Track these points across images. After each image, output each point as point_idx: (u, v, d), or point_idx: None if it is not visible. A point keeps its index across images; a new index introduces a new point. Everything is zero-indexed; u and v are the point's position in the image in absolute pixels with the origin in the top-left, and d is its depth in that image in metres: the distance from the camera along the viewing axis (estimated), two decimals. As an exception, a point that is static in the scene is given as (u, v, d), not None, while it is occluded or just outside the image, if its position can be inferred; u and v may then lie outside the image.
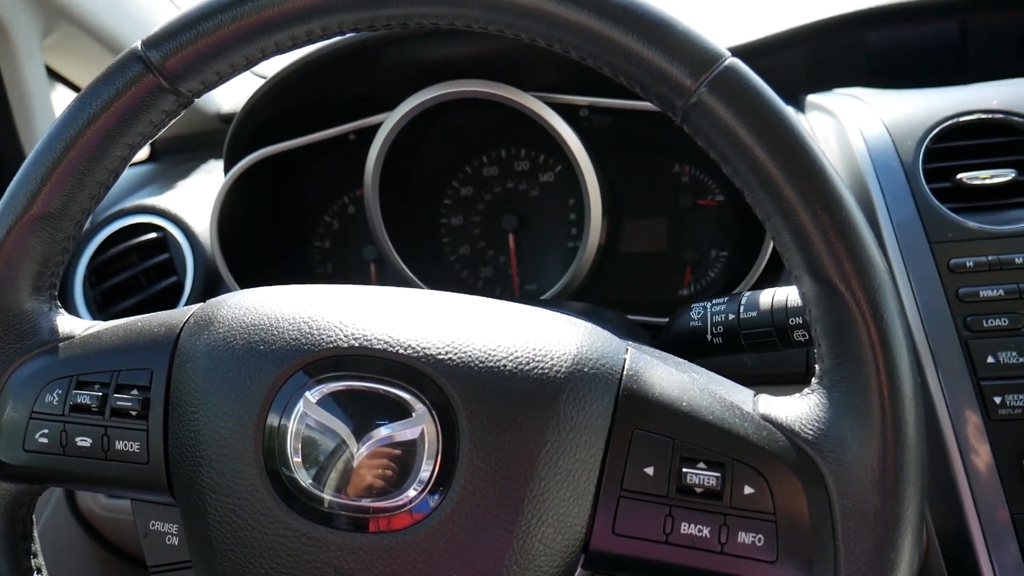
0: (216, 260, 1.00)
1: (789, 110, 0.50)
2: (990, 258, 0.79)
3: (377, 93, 0.96)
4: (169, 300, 1.06)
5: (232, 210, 0.99)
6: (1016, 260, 0.78)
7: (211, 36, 0.57)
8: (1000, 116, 0.84)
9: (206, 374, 0.54)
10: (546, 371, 0.51)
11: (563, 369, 0.51)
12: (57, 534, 1.14)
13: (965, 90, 0.93)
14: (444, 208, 1.08)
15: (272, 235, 1.08)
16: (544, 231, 1.06)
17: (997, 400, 0.75)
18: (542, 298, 0.95)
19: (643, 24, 0.51)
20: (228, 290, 1.03)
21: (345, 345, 0.53)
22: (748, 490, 0.49)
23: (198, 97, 0.60)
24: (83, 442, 0.57)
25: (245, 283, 1.01)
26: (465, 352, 0.52)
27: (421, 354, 0.52)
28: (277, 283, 1.05)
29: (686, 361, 0.57)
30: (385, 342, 0.52)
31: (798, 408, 0.51)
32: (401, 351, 0.52)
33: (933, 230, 0.81)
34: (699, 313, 0.71)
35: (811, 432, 0.49)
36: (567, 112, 0.90)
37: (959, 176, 0.83)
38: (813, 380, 0.52)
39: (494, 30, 0.55)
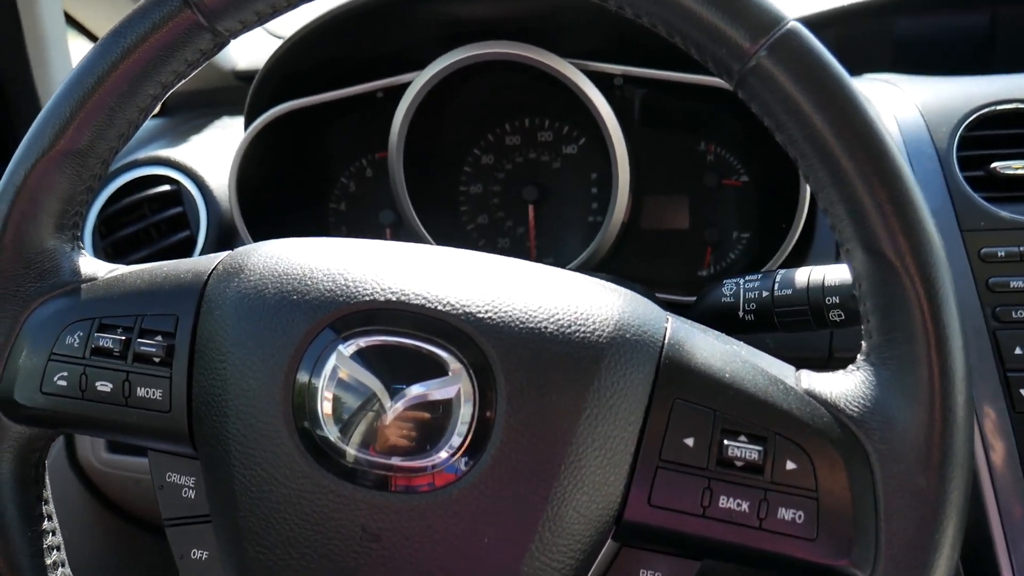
0: (233, 215, 0.98)
1: (850, 79, 0.49)
2: (1022, 248, 0.78)
3: (406, 52, 0.94)
4: (181, 255, 1.04)
5: (250, 166, 0.98)
6: (1048, 252, 0.77)
7: None
8: (1037, 106, 0.83)
9: (235, 323, 0.53)
10: (588, 335, 0.50)
11: (605, 334, 0.50)
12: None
13: (1000, 79, 0.92)
14: (464, 176, 1.06)
15: (288, 194, 1.06)
16: (564, 204, 1.04)
17: (1023, 392, 0.75)
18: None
19: None
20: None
21: (381, 299, 0.51)
22: (790, 465, 0.48)
23: (235, 38, 0.58)
24: (103, 387, 0.56)
25: (259, 239, 1.00)
26: (505, 311, 0.50)
27: (460, 311, 0.50)
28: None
29: (726, 336, 0.56)
30: (423, 297, 0.51)
31: (843, 384, 0.50)
32: (439, 307, 0.50)
33: (965, 218, 0.80)
34: (731, 289, 0.70)
35: (856, 409, 0.48)
36: (601, 81, 0.89)
37: (993, 165, 0.82)
38: (859, 357, 0.50)
39: None
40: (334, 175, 1.10)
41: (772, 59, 0.49)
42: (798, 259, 0.89)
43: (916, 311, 0.47)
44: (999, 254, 0.78)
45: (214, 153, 1.12)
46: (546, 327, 0.50)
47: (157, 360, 0.55)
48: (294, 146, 1.03)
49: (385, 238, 1.08)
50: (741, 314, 0.69)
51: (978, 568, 0.76)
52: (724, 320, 0.70)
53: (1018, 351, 0.76)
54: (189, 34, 0.56)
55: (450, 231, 1.04)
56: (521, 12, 0.86)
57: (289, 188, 1.06)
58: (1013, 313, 0.77)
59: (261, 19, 0.57)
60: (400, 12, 0.89)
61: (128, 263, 1.03)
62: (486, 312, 0.50)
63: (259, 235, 1.00)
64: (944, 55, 1.19)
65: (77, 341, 0.56)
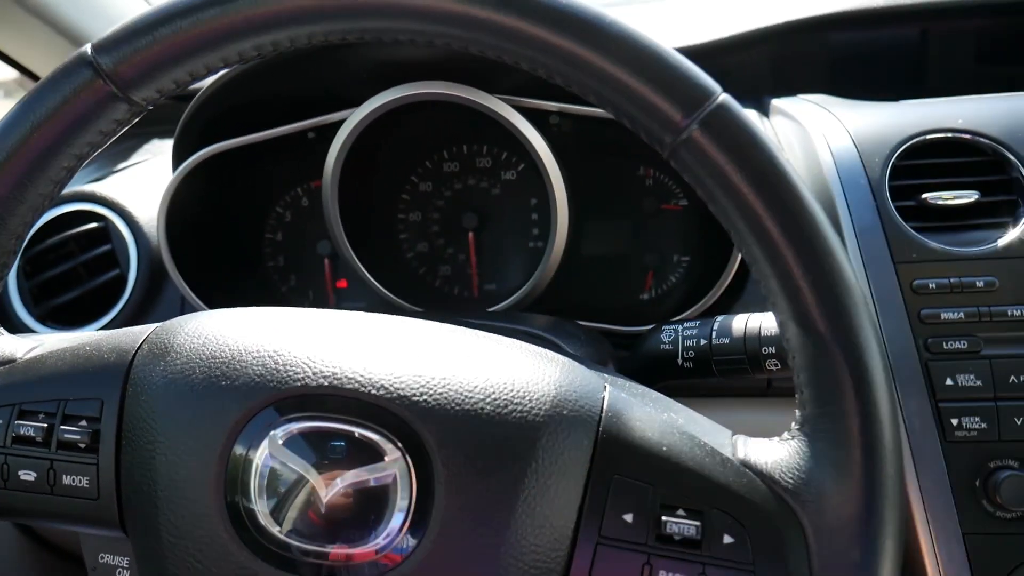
0: (164, 258, 0.95)
1: (782, 154, 0.49)
2: (952, 280, 0.79)
3: (337, 90, 0.92)
4: (111, 294, 1.01)
5: (180, 203, 0.95)
6: (977, 283, 0.79)
7: (169, 42, 0.53)
8: (967, 136, 0.85)
9: (163, 409, 0.51)
10: (525, 415, 0.49)
11: (542, 411, 0.50)
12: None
13: (931, 105, 0.94)
14: (403, 204, 1.05)
15: (222, 227, 1.04)
16: (504, 230, 1.04)
17: (954, 422, 0.76)
18: (507, 303, 0.93)
19: (634, 55, 0.49)
20: (174, 286, 0.99)
21: (314, 384, 0.50)
22: (727, 539, 0.48)
23: (153, 106, 0.56)
24: (26, 476, 0.54)
25: (193, 278, 0.97)
26: (441, 393, 0.50)
27: (395, 395, 0.49)
28: (226, 278, 1.02)
29: (664, 397, 0.56)
30: (357, 381, 0.50)
31: (778, 454, 0.50)
32: (374, 391, 0.50)
33: (898, 250, 0.81)
34: (670, 336, 0.70)
35: (791, 481, 0.49)
36: (535, 117, 0.88)
37: (924, 195, 0.83)
38: (793, 425, 0.51)
39: (475, 51, 0.52)
40: (270, 205, 1.08)
41: (704, 133, 0.49)
42: (740, 283, 0.90)
43: (847, 389, 0.48)
44: (930, 286, 0.80)
45: (143, 184, 1.08)
46: (483, 408, 0.49)
47: (83, 446, 0.53)
48: (226, 181, 1.00)
49: (323, 268, 1.07)
50: (680, 361, 0.69)
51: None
52: (663, 367, 0.70)
53: (949, 382, 0.77)
54: (102, 105, 0.54)
55: (389, 261, 1.02)
56: (452, 53, 0.84)
57: (222, 221, 1.04)
58: (944, 344, 0.78)
59: (180, 87, 0.55)
60: (331, 55, 0.87)
61: (56, 305, 1.01)
62: (421, 395, 0.49)
63: (192, 271, 0.97)
64: (878, 70, 1.20)
65: None
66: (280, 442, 0.49)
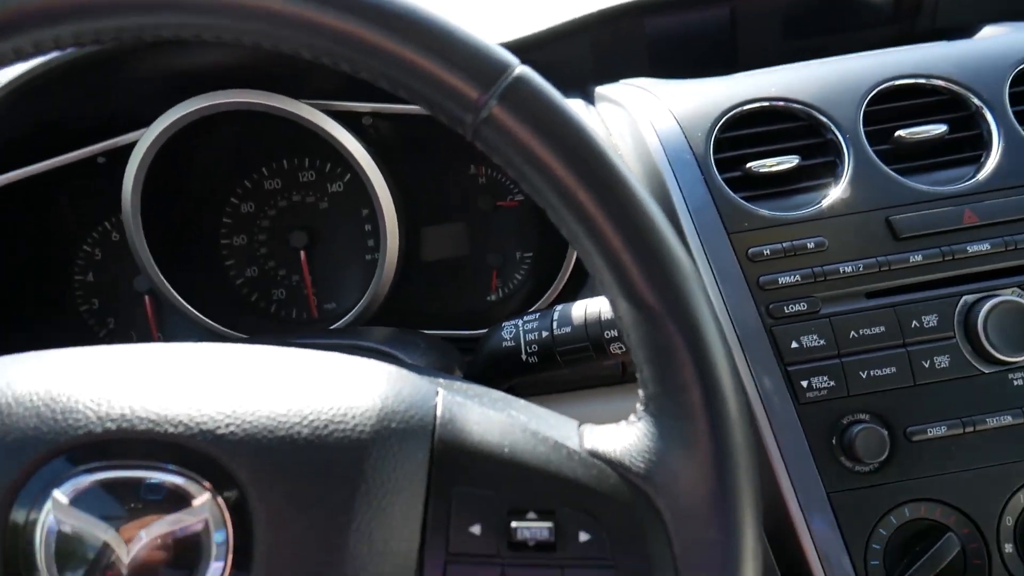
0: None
1: (586, 121, 0.46)
2: (784, 245, 0.80)
3: (128, 108, 0.84)
4: None
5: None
6: (808, 245, 0.79)
7: None
8: (780, 104, 0.86)
9: None
10: (348, 433, 0.45)
11: (367, 428, 0.45)
12: None
13: (744, 78, 0.95)
14: (224, 228, 0.97)
15: (21, 273, 0.93)
16: (338, 245, 0.98)
17: (804, 384, 0.77)
18: (346, 319, 0.88)
19: (421, 32, 0.45)
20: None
21: (99, 429, 0.43)
22: (584, 537, 0.45)
23: None
24: None
25: (-8, 334, 0.87)
26: (250, 422, 0.44)
27: (196, 429, 0.43)
28: (35, 330, 0.92)
29: (504, 394, 0.52)
30: (150, 420, 0.44)
31: (626, 439, 0.47)
32: (171, 429, 0.43)
33: (729, 220, 0.81)
34: (511, 332, 0.67)
35: (642, 465, 0.46)
36: (349, 120, 0.83)
37: (748, 165, 0.84)
38: (638, 406, 0.48)
39: (249, 42, 0.47)
40: (76, 243, 0.98)
41: (504, 107, 0.45)
42: (582, 277, 0.88)
43: (685, 360, 0.45)
44: (765, 252, 0.80)
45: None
46: (299, 432, 0.44)
47: None
48: (17, 221, 0.90)
49: (144, 306, 0.98)
50: (524, 357, 0.66)
51: (784, 555, 0.77)
52: (508, 365, 0.67)
53: (794, 345, 0.78)
54: None
55: (215, 290, 0.95)
56: (250, 58, 0.79)
57: (21, 266, 0.93)
58: (785, 308, 0.78)
59: None
60: (113, 67, 0.79)
61: None
62: (227, 426, 0.44)
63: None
64: (694, 51, 1.23)
65: None
66: (66, 501, 0.42)
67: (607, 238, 0.45)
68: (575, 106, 0.47)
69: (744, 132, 0.86)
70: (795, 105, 0.86)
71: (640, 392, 0.48)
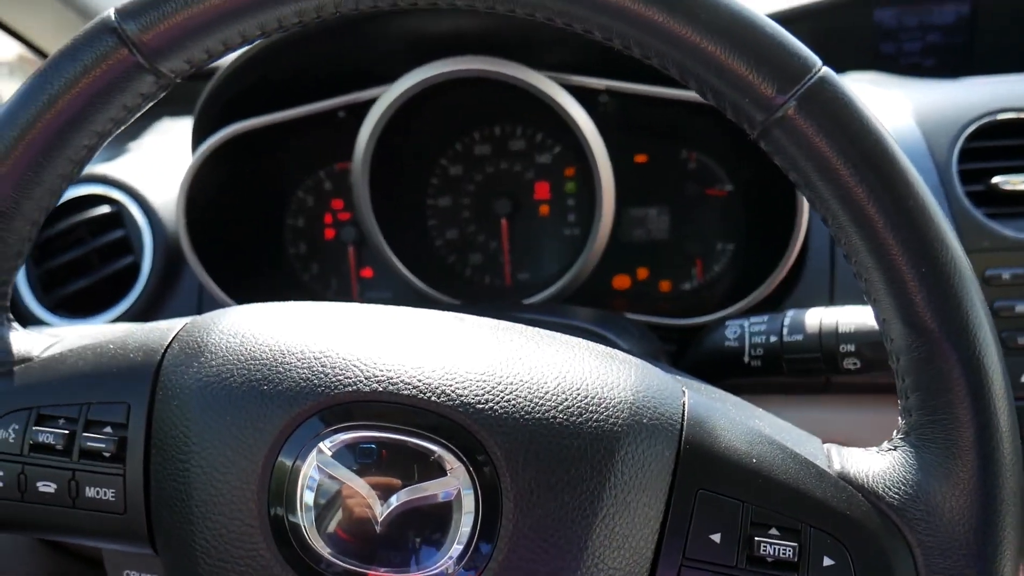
0: (182, 245, 0.90)
1: (889, 135, 0.44)
2: (1027, 270, 0.74)
3: (369, 67, 0.86)
4: (124, 282, 0.96)
5: (199, 188, 0.89)
6: (1056, 274, 0.74)
7: (202, 7, 0.47)
8: (1038, 116, 0.79)
9: (198, 416, 0.46)
10: (601, 424, 0.44)
11: (620, 421, 0.45)
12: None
13: (994, 83, 0.88)
14: (431, 189, 0.99)
15: (241, 212, 0.98)
16: (539, 216, 0.98)
17: (1033, 423, 0.71)
18: (547, 293, 0.88)
19: (725, 22, 0.44)
20: (191, 274, 0.94)
21: (366, 389, 0.45)
22: (828, 562, 0.43)
23: (181, 79, 0.51)
24: (46, 487, 0.49)
25: (211, 265, 0.92)
26: (509, 401, 0.44)
27: (457, 401, 0.44)
28: (245, 267, 0.97)
29: (744, 402, 0.51)
30: (414, 387, 0.45)
31: (880, 466, 0.45)
32: (433, 398, 0.44)
33: (968, 238, 0.76)
34: (735, 332, 0.65)
35: (896, 496, 0.44)
36: (581, 95, 0.82)
37: (993, 180, 0.78)
38: (896, 435, 0.46)
39: (542, 17, 0.47)
40: (291, 189, 1.02)
41: (802, 111, 0.44)
42: (794, 275, 0.85)
43: (963, 394, 0.43)
44: (1004, 276, 0.75)
45: (156, 166, 1.03)
46: (555, 416, 0.44)
47: (108, 456, 0.48)
48: (246, 163, 0.95)
49: (346, 256, 1.02)
50: (747, 359, 0.64)
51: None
52: (728, 365, 0.65)
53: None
54: (127, 77, 0.49)
55: (418, 248, 0.97)
56: (494, 25, 0.79)
57: (242, 206, 0.98)
58: (1018, 339, 0.73)
59: (212, 57, 0.50)
60: (364, 28, 0.81)
61: (66, 293, 0.96)
62: (487, 402, 0.44)
63: (211, 258, 0.92)
64: (923, 49, 1.15)
65: (13, 435, 0.49)
66: (330, 453, 0.44)
67: (893, 257, 0.43)
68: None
69: (992, 144, 0.80)
70: (1053, 120, 0.79)
71: (901, 420, 0.46)
